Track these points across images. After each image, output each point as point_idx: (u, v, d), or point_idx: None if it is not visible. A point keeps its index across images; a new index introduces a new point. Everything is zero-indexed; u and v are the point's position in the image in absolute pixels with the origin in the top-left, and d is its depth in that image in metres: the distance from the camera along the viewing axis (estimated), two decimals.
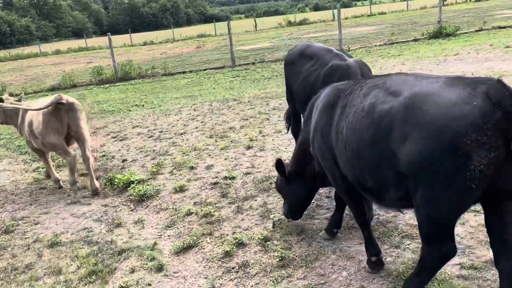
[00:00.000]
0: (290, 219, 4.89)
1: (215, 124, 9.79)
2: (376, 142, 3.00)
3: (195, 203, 5.91)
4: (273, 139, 8.09)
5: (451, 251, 2.97)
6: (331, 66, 5.01)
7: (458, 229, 4.34)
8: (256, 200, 5.73)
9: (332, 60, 5.15)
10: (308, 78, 5.35)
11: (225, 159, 7.39)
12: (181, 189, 6.37)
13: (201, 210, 5.60)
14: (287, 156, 7.09)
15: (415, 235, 4.38)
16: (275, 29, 47.75)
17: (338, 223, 4.57)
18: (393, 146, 2.88)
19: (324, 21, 47.94)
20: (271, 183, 6.15)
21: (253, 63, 20.27)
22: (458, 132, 2.55)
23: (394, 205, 3.40)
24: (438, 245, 2.95)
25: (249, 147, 7.77)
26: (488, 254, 3.87)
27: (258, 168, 6.80)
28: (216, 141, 8.43)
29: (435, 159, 2.66)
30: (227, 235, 4.94)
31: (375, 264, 3.87)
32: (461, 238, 4.25)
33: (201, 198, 6.03)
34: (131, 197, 6.34)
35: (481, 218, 4.29)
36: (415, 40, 21.46)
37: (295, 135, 6.42)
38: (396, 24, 32.27)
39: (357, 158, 3.22)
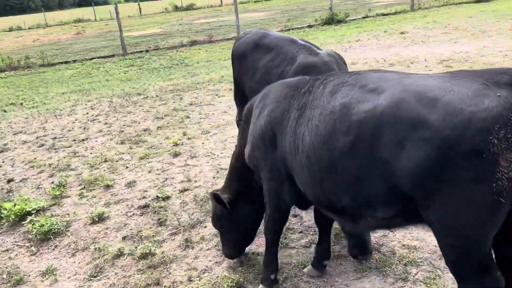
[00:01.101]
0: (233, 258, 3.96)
1: (124, 125, 8.23)
2: (357, 150, 2.40)
3: (124, 238, 4.54)
4: (203, 143, 6.89)
5: (496, 284, 2.30)
6: (303, 64, 4.02)
7: None
8: (206, 227, 4.58)
9: (299, 53, 4.18)
10: (268, 75, 4.31)
11: (149, 171, 6.03)
12: (100, 218, 4.93)
13: (136, 248, 4.29)
14: (226, 163, 5.99)
15: (418, 260, 3.68)
16: (162, 14, 45.40)
17: (327, 252, 3.69)
18: (382, 153, 2.29)
19: (212, 6, 46.84)
20: None
21: (147, 51, 18.56)
22: (482, 129, 1.98)
23: (375, 226, 2.79)
24: (476, 280, 2.29)
25: (176, 154, 6.48)
26: None
27: (196, 181, 5.60)
28: (131, 148, 6.96)
29: (449, 166, 2.06)
30: (182, 283, 3.75)
31: (273, 282, 3.48)
32: None
33: (131, 229, 4.68)
34: (30, 235, 4.73)
35: None
36: (310, 26, 21.62)
37: None
38: (285, 11, 32.51)
39: (327, 171, 2.59)
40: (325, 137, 2.56)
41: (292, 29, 21.33)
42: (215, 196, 3.58)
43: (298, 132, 2.77)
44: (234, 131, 7.17)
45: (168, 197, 5.23)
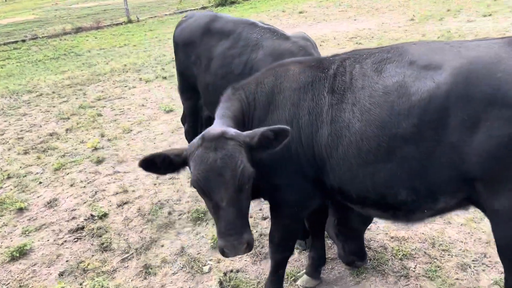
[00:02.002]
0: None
1: (21, 131, 6.89)
2: (422, 135, 2.13)
3: (62, 274, 3.68)
4: (128, 144, 6.01)
5: None
6: (274, 50, 3.46)
7: (481, 235, 3.65)
8: (163, 246, 3.90)
9: (265, 38, 3.62)
10: (228, 65, 3.69)
11: (71, 185, 5.05)
12: (21, 253, 3.95)
13: (82, 286, 3.48)
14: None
15: (412, 251, 3.48)
16: None
17: (323, 258, 3.31)
18: (450, 137, 2.06)
19: None
20: (171, 212, 4.34)
21: (23, 41, 16.28)
22: None
23: (424, 218, 2.53)
24: None
25: (99, 161, 5.54)
26: None
27: (134, 191, 4.80)
28: (40, 158, 5.81)
29: None
30: None
31: None
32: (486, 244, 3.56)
33: (67, 261, 3.81)
34: None
35: None
36: (203, 8, 20.92)
37: (192, 140, 4.69)
38: None
39: (384, 160, 2.26)
40: (382, 122, 2.22)
41: (185, 11, 20.42)
42: None
43: (340, 119, 2.37)
44: (162, 127, 6.42)
45: (105, 215, 4.39)
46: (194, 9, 20.65)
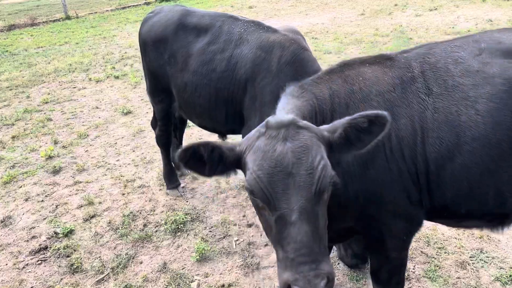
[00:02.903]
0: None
1: None
2: None
3: None
4: (86, 150, 5.51)
5: None
6: (264, 43, 3.19)
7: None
8: (142, 262, 3.55)
9: (249, 31, 3.35)
10: (210, 62, 3.38)
11: (26, 199, 4.52)
12: None
13: None
14: (130, 173, 4.88)
15: (411, 253, 3.38)
16: None
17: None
18: None
19: None
20: (146, 224, 3.98)
21: None
22: None
23: None
24: None
25: (56, 171, 5.02)
26: None
27: (101, 203, 4.37)
28: None
29: None
30: None
31: None
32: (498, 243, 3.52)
33: (33, 287, 3.36)
34: None
35: None
36: (147, 3, 20.17)
37: (164, 145, 4.34)
38: None
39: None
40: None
41: (128, 7, 19.65)
42: None
43: (453, 124, 2.01)
44: (121, 130, 5.97)
45: (71, 231, 3.95)
46: (136, 5, 19.90)
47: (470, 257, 3.27)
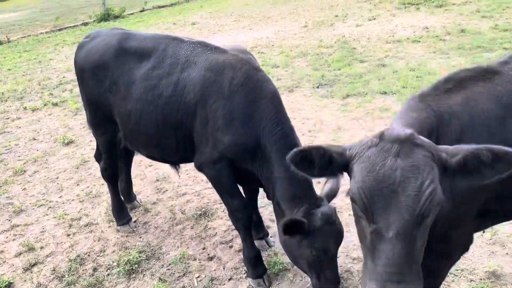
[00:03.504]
0: None
1: None
2: None
3: None
4: (24, 188, 4.99)
5: None
6: (214, 65, 3.01)
7: None
8: None
9: (197, 53, 3.15)
10: (156, 88, 3.14)
11: None
12: None
13: None
14: (75, 210, 4.46)
15: None
16: None
17: None
18: None
19: None
20: (96, 268, 3.61)
21: None
22: None
23: None
24: None
25: None
26: None
27: (43, 247, 3.93)
28: None
29: None
30: None
31: None
32: None
33: None
34: None
35: None
36: (85, 24, 19.50)
37: (111, 179, 4.00)
38: (46, 9, 28.51)
39: None
40: None
41: (65, 28, 18.86)
42: None
43: None
44: (63, 162, 5.53)
45: (9, 284, 3.52)
46: (73, 26, 19.13)
47: None
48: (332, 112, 6.14)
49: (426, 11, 11.80)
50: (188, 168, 5.07)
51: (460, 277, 3.12)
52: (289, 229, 2.59)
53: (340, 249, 3.49)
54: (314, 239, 2.66)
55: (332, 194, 2.93)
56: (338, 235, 2.74)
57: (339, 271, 2.71)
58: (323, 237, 2.66)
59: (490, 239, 3.44)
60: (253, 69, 3.00)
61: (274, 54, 9.53)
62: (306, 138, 5.39)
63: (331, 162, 1.77)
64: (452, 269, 3.18)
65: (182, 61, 3.13)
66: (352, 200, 1.67)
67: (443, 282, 3.02)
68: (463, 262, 3.24)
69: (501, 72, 2.08)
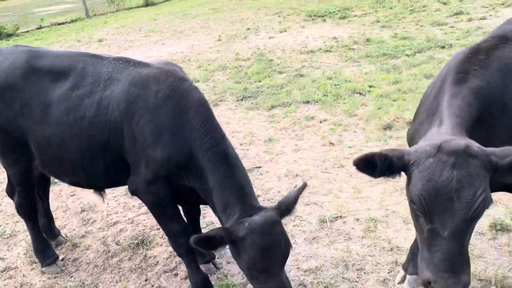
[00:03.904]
0: None
1: None
2: None
3: None
4: None
5: None
6: (137, 81, 2.83)
7: None
8: None
9: (119, 69, 2.96)
10: (77, 109, 2.87)
11: None
12: None
13: None
14: (12, 260, 3.90)
15: (334, 282, 3.23)
16: None
17: None
18: None
19: None
20: None
21: None
22: None
23: None
24: None
25: None
26: None
27: None
28: None
29: None
30: None
31: None
32: None
33: None
34: None
35: None
36: None
37: (29, 215, 3.54)
38: None
39: None
40: None
41: None
42: None
43: None
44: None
45: None
46: None
47: (388, 272, 3.27)
48: (260, 123, 6.13)
49: (332, 22, 12.43)
50: (116, 194, 4.71)
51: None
52: (199, 245, 2.36)
53: (289, 262, 3.44)
54: (241, 249, 2.41)
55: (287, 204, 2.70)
56: (270, 247, 2.39)
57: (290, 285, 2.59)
58: (248, 248, 2.37)
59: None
60: (178, 80, 2.88)
61: (192, 69, 9.36)
62: (239, 151, 5.23)
63: (391, 165, 2.01)
64: (399, 268, 3.26)
65: (104, 79, 2.93)
66: (411, 201, 1.95)
67: (394, 284, 3.08)
68: None
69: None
